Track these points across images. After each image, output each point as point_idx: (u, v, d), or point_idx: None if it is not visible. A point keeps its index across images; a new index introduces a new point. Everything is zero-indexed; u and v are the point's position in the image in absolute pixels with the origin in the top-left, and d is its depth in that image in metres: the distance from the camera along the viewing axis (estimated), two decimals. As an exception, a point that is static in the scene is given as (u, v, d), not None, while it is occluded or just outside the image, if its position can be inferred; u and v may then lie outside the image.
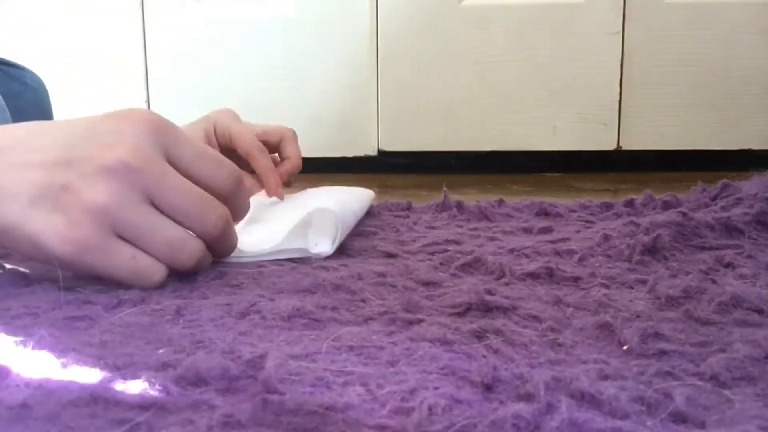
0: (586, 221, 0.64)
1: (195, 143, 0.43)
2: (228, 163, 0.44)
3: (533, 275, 0.45)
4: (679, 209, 0.57)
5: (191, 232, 0.43)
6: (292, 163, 0.67)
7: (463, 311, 0.38)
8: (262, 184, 0.64)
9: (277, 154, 0.69)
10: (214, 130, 0.64)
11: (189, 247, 0.42)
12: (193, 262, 0.43)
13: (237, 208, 0.46)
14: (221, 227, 0.43)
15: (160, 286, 0.42)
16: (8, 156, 0.40)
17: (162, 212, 0.41)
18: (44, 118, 0.72)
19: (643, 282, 0.44)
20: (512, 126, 1.22)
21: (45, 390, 0.28)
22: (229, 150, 0.64)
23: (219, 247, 0.46)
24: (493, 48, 1.21)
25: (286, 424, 0.25)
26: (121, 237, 0.40)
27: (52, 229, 0.39)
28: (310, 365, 0.31)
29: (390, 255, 0.52)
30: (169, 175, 0.41)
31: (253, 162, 0.64)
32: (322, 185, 0.70)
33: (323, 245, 0.51)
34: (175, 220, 0.42)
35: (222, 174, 0.44)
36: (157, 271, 0.42)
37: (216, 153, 0.45)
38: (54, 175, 0.39)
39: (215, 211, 0.43)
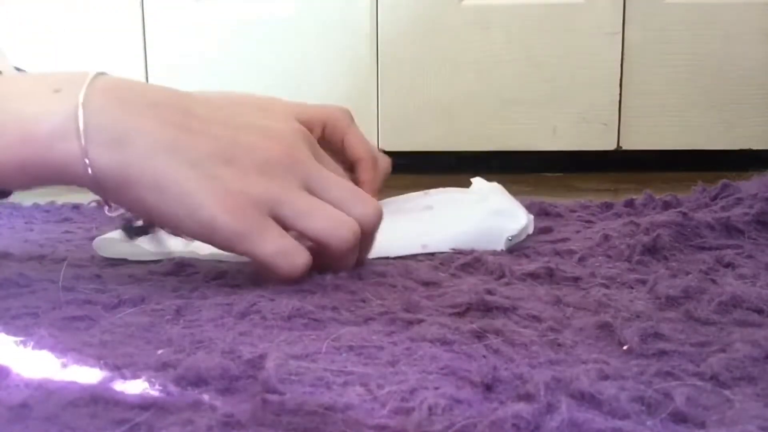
0: (586, 221, 0.64)
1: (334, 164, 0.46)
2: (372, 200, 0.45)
3: (533, 275, 0.45)
4: (679, 209, 0.57)
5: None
6: (371, 189, 0.60)
7: (463, 311, 0.38)
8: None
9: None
10: (324, 125, 0.60)
11: (349, 224, 0.42)
12: (353, 237, 0.42)
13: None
14: (375, 221, 0.44)
15: (302, 275, 0.42)
16: (171, 114, 0.40)
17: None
18: None
19: (643, 282, 0.44)
20: (512, 126, 1.22)
21: (45, 390, 0.28)
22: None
23: (366, 243, 0.46)
24: (493, 48, 1.21)
25: (286, 424, 0.25)
26: (276, 219, 0.41)
27: (213, 194, 0.39)
28: (310, 365, 0.31)
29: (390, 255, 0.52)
30: (323, 170, 0.43)
31: (361, 171, 0.59)
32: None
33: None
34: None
35: (367, 207, 0.44)
36: (301, 255, 0.42)
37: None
38: (219, 146, 0.40)
39: (370, 203, 0.44)
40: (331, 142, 0.59)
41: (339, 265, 0.44)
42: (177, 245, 0.53)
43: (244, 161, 0.40)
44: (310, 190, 0.42)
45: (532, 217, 0.58)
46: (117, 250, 0.52)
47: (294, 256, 0.41)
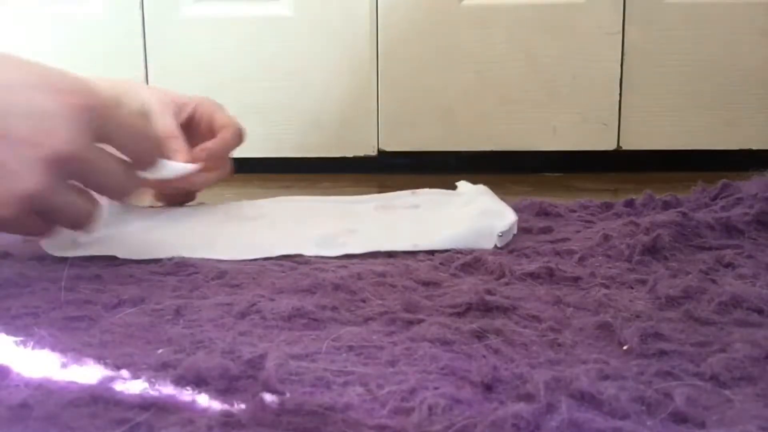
0: (586, 221, 0.64)
1: (124, 120, 0.46)
2: (151, 138, 0.50)
3: (533, 275, 0.45)
4: (679, 209, 0.57)
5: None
6: (232, 131, 0.65)
7: (463, 311, 0.38)
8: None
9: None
10: (195, 107, 0.65)
11: (88, 220, 0.46)
12: (91, 228, 0.47)
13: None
14: (131, 194, 0.48)
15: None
16: None
17: (86, 184, 0.45)
18: None
19: (643, 282, 0.44)
20: (512, 126, 1.22)
21: (45, 390, 0.28)
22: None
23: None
24: (493, 48, 1.21)
25: (286, 424, 0.26)
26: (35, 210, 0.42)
27: None
28: (310, 365, 0.31)
29: (390, 255, 0.52)
30: (96, 161, 0.43)
31: (223, 132, 0.65)
32: (322, 185, 0.70)
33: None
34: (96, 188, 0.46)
35: (147, 147, 0.48)
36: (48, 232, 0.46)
37: (143, 127, 0.49)
38: None
39: (130, 184, 0.47)
40: (201, 121, 0.65)
41: None
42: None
43: (16, 164, 0.40)
44: (76, 179, 0.44)
45: (516, 217, 0.58)
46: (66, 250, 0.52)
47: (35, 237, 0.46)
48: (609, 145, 1.22)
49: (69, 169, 0.42)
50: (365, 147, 1.24)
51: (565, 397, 0.26)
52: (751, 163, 0.66)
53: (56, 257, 0.52)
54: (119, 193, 0.47)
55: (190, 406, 0.27)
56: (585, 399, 0.27)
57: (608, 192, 1.00)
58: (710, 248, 0.51)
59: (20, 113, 0.40)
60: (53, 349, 0.32)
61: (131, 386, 0.28)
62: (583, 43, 1.20)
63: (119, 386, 0.28)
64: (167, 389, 0.28)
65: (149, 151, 0.48)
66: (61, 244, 0.52)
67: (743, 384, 0.29)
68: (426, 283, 0.44)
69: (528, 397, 0.27)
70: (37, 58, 0.45)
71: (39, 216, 0.43)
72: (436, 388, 0.28)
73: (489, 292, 0.41)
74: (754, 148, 1.20)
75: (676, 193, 0.65)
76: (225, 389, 0.29)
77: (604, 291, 0.42)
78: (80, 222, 0.45)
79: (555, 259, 0.49)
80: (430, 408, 0.26)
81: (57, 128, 0.41)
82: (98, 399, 0.27)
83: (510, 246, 0.54)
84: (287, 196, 0.71)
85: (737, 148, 1.20)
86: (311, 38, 1.23)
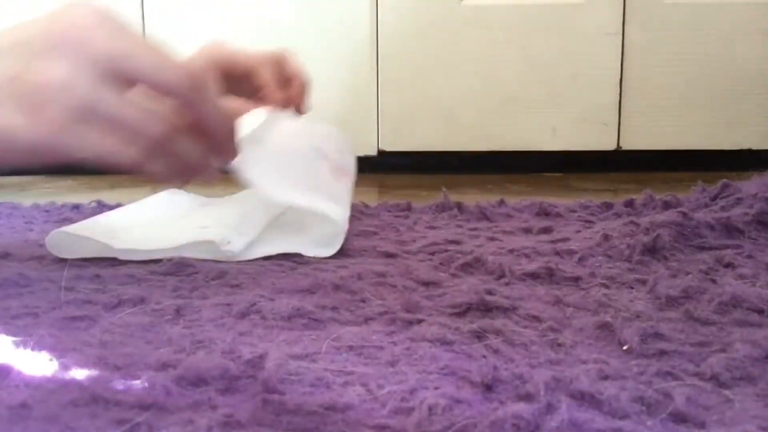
0: (586, 221, 0.64)
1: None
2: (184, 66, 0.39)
3: (533, 275, 0.45)
4: (679, 209, 0.57)
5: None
6: (300, 81, 0.61)
7: (463, 311, 0.38)
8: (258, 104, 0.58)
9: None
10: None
11: (157, 118, 0.38)
12: (161, 130, 0.38)
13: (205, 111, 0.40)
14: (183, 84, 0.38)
15: (132, 168, 0.38)
16: None
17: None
18: None
19: (643, 282, 0.44)
20: (512, 126, 1.22)
21: (45, 390, 0.28)
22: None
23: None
24: (493, 48, 1.21)
25: (286, 424, 0.26)
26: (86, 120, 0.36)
27: (17, 119, 0.36)
28: (310, 365, 0.31)
29: (390, 255, 0.52)
30: (118, 45, 0.37)
31: (256, 77, 0.59)
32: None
33: (235, 244, 0.52)
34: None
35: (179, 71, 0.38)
36: (125, 150, 0.37)
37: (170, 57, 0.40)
38: (1, 68, 0.36)
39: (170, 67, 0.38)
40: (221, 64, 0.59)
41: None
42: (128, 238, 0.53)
43: (29, 64, 0.36)
44: (113, 69, 0.37)
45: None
46: (71, 248, 0.52)
47: (117, 152, 0.37)
48: (609, 145, 1.22)
49: (91, 51, 0.36)
50: (365, 147, 1.24)
51: (565, 397, 0.26)
52: (751, 163, 0.66)
53: (56, 257, 0.52)
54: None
55: (190, 406, 0.27)
56: (585, 399, 0.27)
57: (608, 192, 1.00)
58: (710, 248, 0.51)
59: (33, 22, 0.40)
60: (53, 349, 0.32)
61: (131, 386, 0.28)
62: (583, 43, 1.20)
63: (119, 386, 0.28)
64: (167, 389, 0.28)
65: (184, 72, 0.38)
66: (64, 244, 0.52)
67: (743, 384, 0.29)
68: (426, 283, 0.44)
69: (528, 397, 0.27)
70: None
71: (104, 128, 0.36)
72: (436, 388, 0.28)
73: (489, 292, 0.41)
74: (754, 148, 1.20)
75: (676, 193, 0.65)
76: (225, 389, 0.29)
77: (604, 291, 0.42)
78: (144, 121, 0.37)
79: (555, 259, 0.49)
80: (430, 408, 0.26)
81: (69, 16, 0.38)
82: (98, 399, 0.27)
83: (510, 246, 0.54)
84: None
85: (737, 148, 1.20)
86: (312, 39, 1.23)
